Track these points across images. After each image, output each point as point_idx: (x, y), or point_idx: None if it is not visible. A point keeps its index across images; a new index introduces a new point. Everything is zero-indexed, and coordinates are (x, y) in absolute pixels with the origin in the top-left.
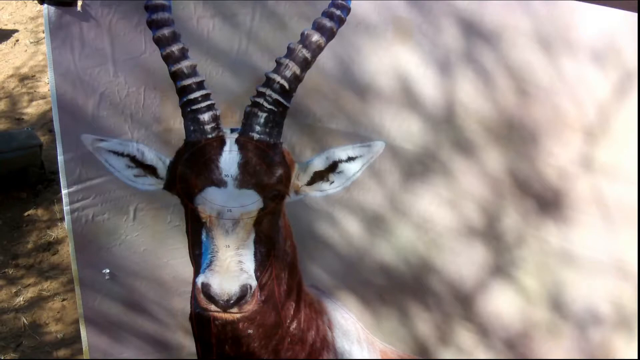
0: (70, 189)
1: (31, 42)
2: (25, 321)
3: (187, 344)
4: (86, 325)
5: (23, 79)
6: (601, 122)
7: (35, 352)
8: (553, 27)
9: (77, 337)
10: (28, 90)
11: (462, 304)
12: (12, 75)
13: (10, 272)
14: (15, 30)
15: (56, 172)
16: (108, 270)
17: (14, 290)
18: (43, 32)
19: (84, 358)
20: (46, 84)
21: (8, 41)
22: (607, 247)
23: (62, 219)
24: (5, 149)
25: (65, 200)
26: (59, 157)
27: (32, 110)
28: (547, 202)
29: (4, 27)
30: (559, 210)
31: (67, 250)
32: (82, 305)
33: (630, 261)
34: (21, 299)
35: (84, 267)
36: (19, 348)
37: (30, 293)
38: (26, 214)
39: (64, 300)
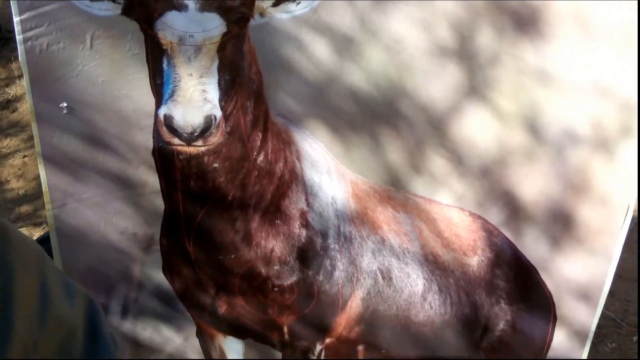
0: (22, 17)
1: None
2: None
3: (151, 180)
4: (45, 164)
5: None
6: None
7: None
8: None
9: (38, 193)
10: None
11: (435, 129)
12: None
13: None
14: None
15: (13, 29)
16: (66, 104)
17: None
18: None
19: (45, 200)
20: None
21: None
22: (586, 65)
23: (20, 77)
24: None
25: (17, 28)
26: None
27: None
28: (524, 17)
29: None
30: (535, 26)
31: (26, 108)
32: (40, 142)
33: (609, 80)
34: None
35: (40, 101)
36: None
37: None
38: None
39: (24, 157)
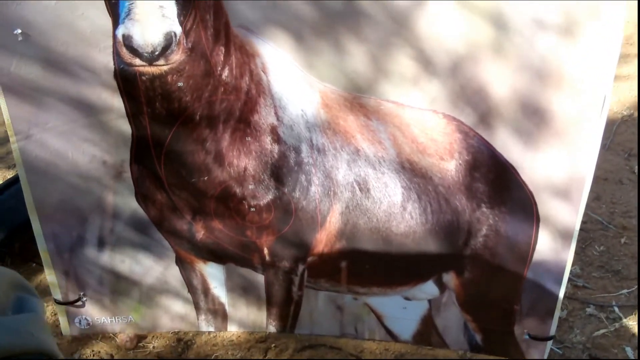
0: None
1: None
2: None
3: (116, 104)
4: (5, 95)
5: None
6: None
7: None
8: None
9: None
10: None
11: (399, 25)
12: None
13: None
14: None
15: None
16: (20, 31)
17: None
18: None
19: (9, 134)
20: None
21: None
22: None
23: None
24: None
25: None
26: None
27: None
28: None
29: None
30: None
31: None
32: None
33: None
34: None
35: None
36: None
37: None
38: None
39: None
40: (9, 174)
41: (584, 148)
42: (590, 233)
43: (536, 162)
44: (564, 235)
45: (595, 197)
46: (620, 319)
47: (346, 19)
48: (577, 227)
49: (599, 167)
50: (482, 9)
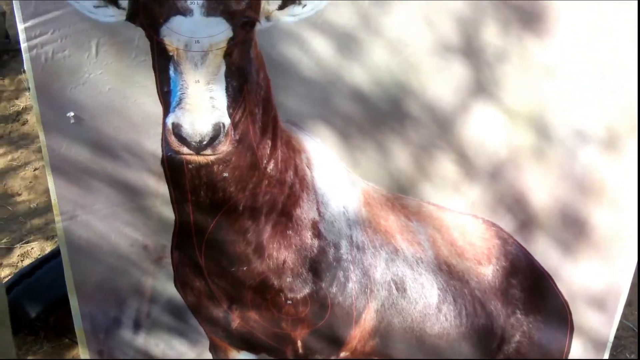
0: (27, 24)
1: None
2: None
3: (161, 190)
4: (54, 175)
5: None
6: None
7: (8, 223)
8: None
9: (49, 206)
10: None
11: (443, 130)
12: None
13: None
14: None
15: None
16: (73, 114)
17: None
18: None
19: (54, 213)
20: None
21: None
22: (593, 61)
23: (30, 88)
24: None
25: (21, 37)
26: None
27: None
28: (529, 13)
29: None
30: (541, 21)
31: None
32: (48, 152)
33: (617, 77)
34: None
35: (47, 111)
36: None
37: (0, 164)
38: None
39: (35, 169)
40: (47, 245)
41: (621, 261)
42: (621, 340)
43: (573, 272)
44: (597, 345)
45: (627, 302)
46: None
47: (392, 120)
48: (612, 337)
49: None
50: (525, 117)
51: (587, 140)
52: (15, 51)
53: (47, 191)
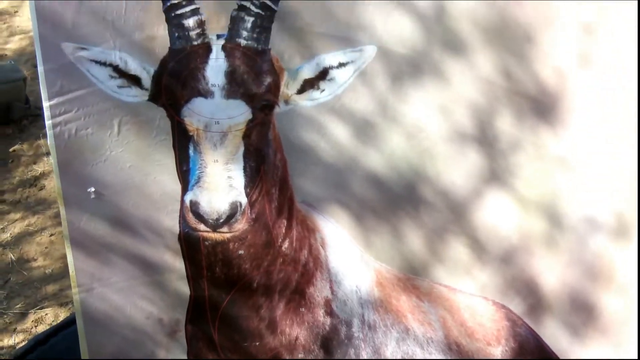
0: (52, 102)
1: None
2: (12, 257)
3: (177, 266)
4: (72, 248)
5: (2, 14)
6: (600, 15)
7: (23, 288)
8: None
9: (65, 272)
10: (9, 25)
11: (457, 215)
12: None
13: None
14: None
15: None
16: (93, 189)
17: (0, 226)
18: None
19: (71, 284)
20: (27, 19)
21: None
22: (605, 151)
23: (48, 154)
24: None
25: (46, 114)
26: (38, 68)
27: (13, 45)
28: (543, 104)
29: None
30: (555, 112)
31: (54, 185)
32: (68, 226)
33: (629, 166)
34: (8, 234)
35: (69, 186)
36: (7, 284)
37: (17, 229)
38: (12, 149)
39: (51, 235)
40: (61, 312)
41: (630, 346)
42: None
43: (582, 356)
44: None
45: None
46: None
47: (406, 204)
48: None
49: None
50: (537, 204)
51: (598, 228)
52: (34, 116)
53: (62, 257)
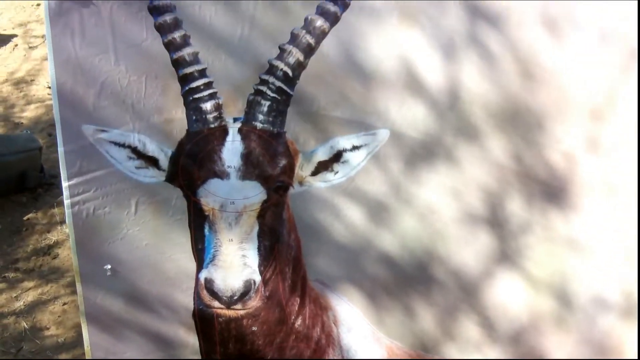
0: (71, 182)
1: (30, 47)
2: (25, 325)
3: (191, 341)
4: (88, 323)
5: (19, 82)
6: (608, 102)
7: (36, 357)
8: (559, 6)
9: (78, 341)
10: (25, 93)
11: (468, 295)
12: (7, 80)
13: (11, 276)
14: (14, 35)
15: (56, 176)
16: (109, 266)
17: (14, 294)
18: (41, 37)
19: (86, 359)
20: (44, 88)
21: (7, 46)
22: (614, 233)
23: (62, 223)
24: (5, 152)
25: (65, 193)
26: (59, 149)
27: (29, 113)
28: (553, 188)
29: (3, 32)
30: (564, 196)
31: (68, 254)
32: (84, 302)
33: (637, 248)
34: (21, 303)
35: (85, 263)
36: (20, 353)
37: (30, 297)
38: (26, 217)
39: (64, 304)
40: None
41: None
42: None
43: None
44: None
45: None
46: None
47: (418, 284)
48: None
49: None
50: (547, 284)
51: (607, 307)
52: (49, 185)
53: (75, 326)
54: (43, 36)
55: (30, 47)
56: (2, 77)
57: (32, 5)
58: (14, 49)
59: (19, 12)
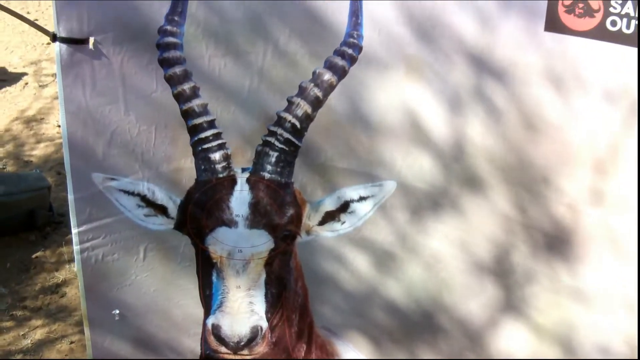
0: (80, 229)
1: (40, 86)
2: None
3: None
4: None
5: (30, 121)
6: (611, 155)
7: None
8: (564, 63)
9: None
10: (35, 132)
11: (473, 343)
12: (18, 118)
13: (18, 314)
14: (25, 74)
15: (65, 214)
16: (118, 311)
17: (21, 332)
18: (51, 75)
19: None
20: (53, 126)
21: (17, 84)
22: (617, 282)
23: (70, 261)
24: (14, 190)
25: (75, 239)
26: (69, 196)
27: (39, 152)
28: (557, 239)
29: (14, 71)
30: (569, 247)
31: (75, 293)
32: (92, 346)
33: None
34: (29, 341)
35: (94, 308)
36: None
37: (38, 335)
38: (34, 256)
39: (71, 342)
40: None
41: None
42: None
43: None
44: None
45: None
46: None
47: (423, 331)
48: None
49: None
50: (552, 333)
51: (611, 356)
52: (57, 224)
53: None
54: (53, 75)
55: (40, 86)
56: (12, 115)
57: (43, 44)
58: (24, 87)
59: (30, 51)
